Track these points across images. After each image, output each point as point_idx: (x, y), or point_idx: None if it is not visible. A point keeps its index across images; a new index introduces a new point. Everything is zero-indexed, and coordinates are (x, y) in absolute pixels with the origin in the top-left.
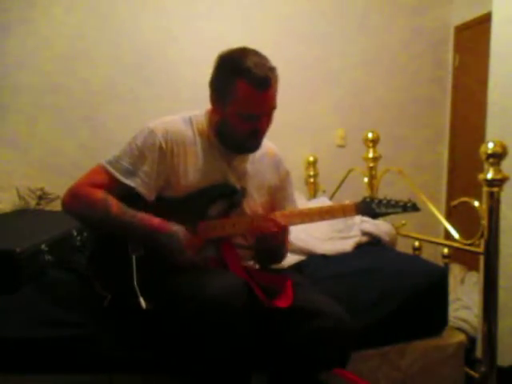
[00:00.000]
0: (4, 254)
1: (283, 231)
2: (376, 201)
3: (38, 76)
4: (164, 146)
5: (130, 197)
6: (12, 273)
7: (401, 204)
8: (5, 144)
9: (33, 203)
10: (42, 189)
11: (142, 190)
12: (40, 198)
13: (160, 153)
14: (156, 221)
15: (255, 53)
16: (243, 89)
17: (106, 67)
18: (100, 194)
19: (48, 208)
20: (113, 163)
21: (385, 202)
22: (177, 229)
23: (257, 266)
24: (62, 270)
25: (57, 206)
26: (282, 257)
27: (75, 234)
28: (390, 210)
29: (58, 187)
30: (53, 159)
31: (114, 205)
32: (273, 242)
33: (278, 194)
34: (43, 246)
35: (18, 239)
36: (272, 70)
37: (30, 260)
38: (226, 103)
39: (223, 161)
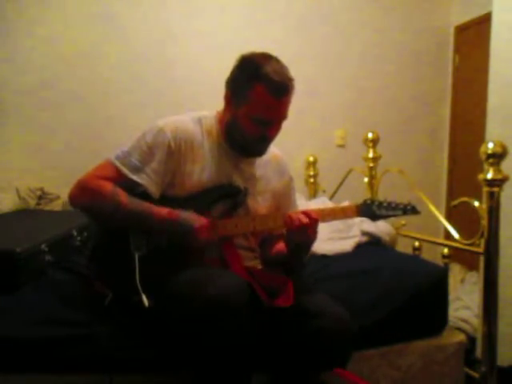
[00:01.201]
0: (4, 254)
1: (315, 225)
2: (376, 203)
3: (38, 76)
4: (173, 144)
5: (135, 194)
6: (12, 273)
7: (401, 207)
8: (5, 144)
9: (33, 203)
10: (41, 189)
11: (148, 186)
12: (40, 197)
13: (168, 151)
14: (165, 210)
15: (277, 60)
16: (260, 93)
17: (106, 67)
18: (109, 186)
19: (48, 208)
20: (121, 159)
21: (385, 204)
22: (187, 214)
23: (258, 267)
24: (61, 270)
25: (57, 206)
26: (306, 257)
27: (75, 234)
28: (390, 213)
29: (58, 187)
30: (53, 159)
31: (124, 197)
32: (303, 237)
33: (281, 200)
34: (43, 246)
35: (18, 239)
36: (290, 79)
37: (30, 260)
38: (239, 104)
39: (230, 163)
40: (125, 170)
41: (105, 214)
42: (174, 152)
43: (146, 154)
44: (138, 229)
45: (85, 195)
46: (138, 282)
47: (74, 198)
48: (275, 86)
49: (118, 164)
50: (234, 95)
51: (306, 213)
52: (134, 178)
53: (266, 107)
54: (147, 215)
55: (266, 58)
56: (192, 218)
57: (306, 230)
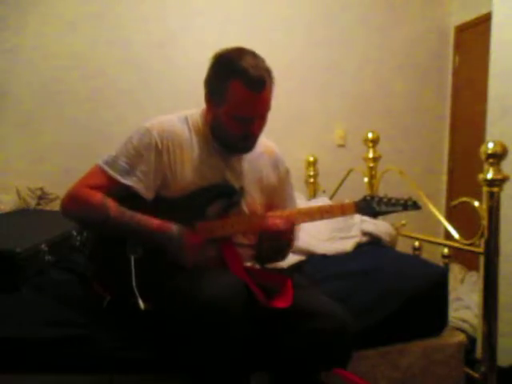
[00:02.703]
0: (4, 254)
1: (291, 229)
2: (376, 199)
3: (38, 76)
4: (160, 144)
5: (129, 197)
6: (12, 273)
7: (401, 202)
8: (5, 144)
9: (33, 203)
10: (41, 189)
11: (140, 189)
12: (40, 198)
13: (156, 151)
14: (155, 222)
15: (251, 54)
16: (237, 90)
17: (106, 67)
18: (98, 197)
19: (48, 208)
20: (110, 163)
21: (385, 200)
22: (177, 229)
23: (257, 266)
24: (61, 270)
25: (57, 206)
26: (285, 255)
27: (75, 234)
28: (390, 209)
29: (58, 187)
30: (53, 159)
31: (113, 207)
32: (280, 241)
33: (277, 193)
34: (43, 246)
35: (18, 239)
36: (268, 71)
37: (30, 260)
38: (219, 104)
39: (220, 159)
40: (115, 175)
41: (94, 224)
42: (161, 152)
43: (133, 156)
44: (127, 238)
45: (75, 205)
46: (133, 284)
47: (64, 208)
48: (252, 81)
49: (107, 169)
50: (212, 95)
51: (282, 218)
52: (125, 181)
53: (246, 103)
54: (136, 227)
55: (240, 52)
56: (182, 233)
57: (283, 235)
